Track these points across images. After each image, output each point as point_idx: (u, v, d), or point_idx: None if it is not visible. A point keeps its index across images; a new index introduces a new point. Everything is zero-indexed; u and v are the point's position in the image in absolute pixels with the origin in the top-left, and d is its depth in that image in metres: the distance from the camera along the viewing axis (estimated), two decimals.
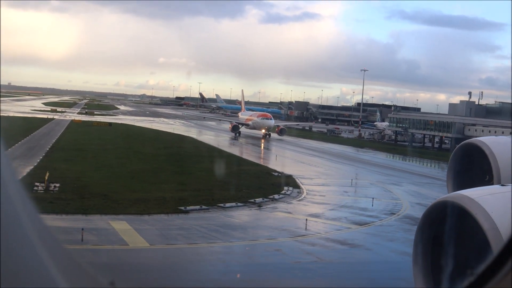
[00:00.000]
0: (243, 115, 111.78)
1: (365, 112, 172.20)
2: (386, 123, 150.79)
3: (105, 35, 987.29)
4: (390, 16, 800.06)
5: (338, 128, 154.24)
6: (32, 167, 46.43)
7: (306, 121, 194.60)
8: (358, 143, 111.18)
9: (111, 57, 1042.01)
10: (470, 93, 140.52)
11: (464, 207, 4.28)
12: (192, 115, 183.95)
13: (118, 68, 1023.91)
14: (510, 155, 6.49)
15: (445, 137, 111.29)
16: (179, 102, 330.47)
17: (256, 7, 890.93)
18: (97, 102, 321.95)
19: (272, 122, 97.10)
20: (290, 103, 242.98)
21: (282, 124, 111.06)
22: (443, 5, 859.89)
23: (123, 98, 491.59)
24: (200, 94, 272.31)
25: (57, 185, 38.02)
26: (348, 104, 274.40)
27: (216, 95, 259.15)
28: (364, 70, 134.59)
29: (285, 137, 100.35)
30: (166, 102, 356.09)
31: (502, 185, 5.06)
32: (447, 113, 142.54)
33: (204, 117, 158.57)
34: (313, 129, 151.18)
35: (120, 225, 28.25)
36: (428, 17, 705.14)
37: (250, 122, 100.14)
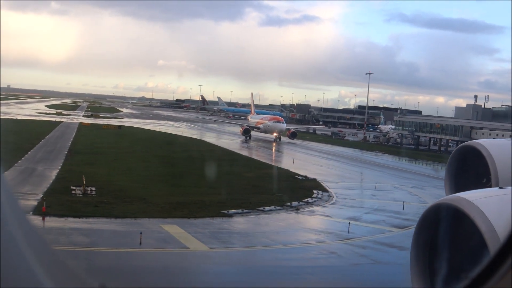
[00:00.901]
0: (253, 119, 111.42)
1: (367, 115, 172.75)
2: (390, 126, 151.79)
3: (105, 38, 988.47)
4: (389, 19, 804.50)
5: (342, 131, 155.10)
6: (57, 170, 46.83)
7: (308, 123, 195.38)
8: (366, 146, 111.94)
9: (110, 60, 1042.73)
10: (476, 97, 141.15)
11: (461, 209, 4.28)
12: (197, 117, 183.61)
13: (117, 71, 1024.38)
14: (508, 158, 6.50)
15: (452, 140, 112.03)
16: (180, 104, 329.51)
17: (256, 9, 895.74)
18: (98, 104, 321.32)
19: (284, 126, 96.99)
20: (291, 105, 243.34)
21: (292, 127, 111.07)
22: (442, 8, 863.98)
23: (121, 100, 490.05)
24: (201, 96, 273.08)
25: (93, 189, 38.27)
26: (346, 107, 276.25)
27: (218, 97, 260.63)
28: (370, 74, 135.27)
29: (294, 140, 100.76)
30: (166, 104, 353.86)
31: (500, 187, 5.06)
32: (448, 115, 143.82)
33: (215, 121, 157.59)
34: (317, 131, 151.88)
35: (173, 228, 28.60)
36: (428, 20, 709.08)
37: (261, 126, 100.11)
